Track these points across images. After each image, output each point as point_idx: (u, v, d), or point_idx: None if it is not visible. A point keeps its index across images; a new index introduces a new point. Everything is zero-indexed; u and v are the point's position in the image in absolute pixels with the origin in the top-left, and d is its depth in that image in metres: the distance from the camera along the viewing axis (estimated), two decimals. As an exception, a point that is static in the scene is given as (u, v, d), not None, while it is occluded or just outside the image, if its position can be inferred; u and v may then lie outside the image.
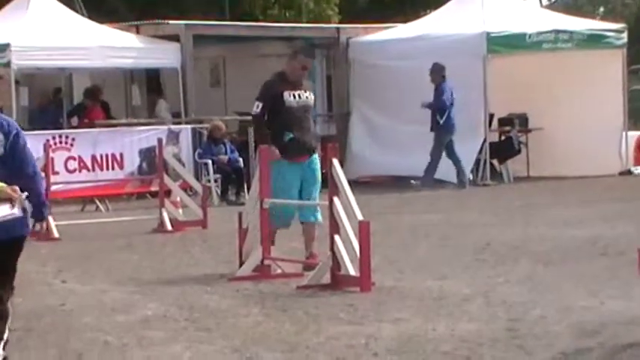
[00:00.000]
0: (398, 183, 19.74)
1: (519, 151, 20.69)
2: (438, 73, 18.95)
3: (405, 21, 22.33)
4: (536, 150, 20.71)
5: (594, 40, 20.85)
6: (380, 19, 24.06)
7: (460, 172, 18.82)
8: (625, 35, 21.10)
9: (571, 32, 20.74)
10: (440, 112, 18.93)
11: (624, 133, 20.78)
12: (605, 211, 14.86)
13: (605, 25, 22.68)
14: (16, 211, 6.11)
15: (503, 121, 20.61)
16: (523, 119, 20.82)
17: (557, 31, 20.60)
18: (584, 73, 20.29)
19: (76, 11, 21.62)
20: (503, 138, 20.67)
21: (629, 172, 20.60)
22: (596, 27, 21.90)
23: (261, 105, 10.71)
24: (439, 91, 18.94)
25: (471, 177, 19.35)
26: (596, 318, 8.13)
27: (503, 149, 20.41)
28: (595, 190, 18.08)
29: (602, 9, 52.69)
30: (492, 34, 19.72)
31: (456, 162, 18.84)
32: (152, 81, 21.83)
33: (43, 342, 7.73)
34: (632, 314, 7.55)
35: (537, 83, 20.34)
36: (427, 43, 19.96)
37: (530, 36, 20.21)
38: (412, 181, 19.12)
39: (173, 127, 19.24)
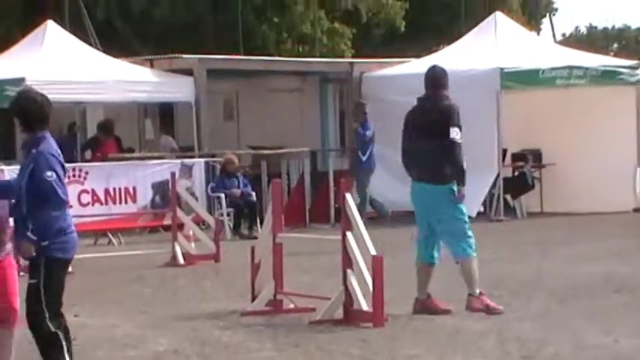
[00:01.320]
0: (409, 217, 19.67)
1: (533, 187, 20.67)
2: (360, 111, 19.40)
3: (418, 56, 22.38)
4: (549, 185, 20.69)
5: (608, 76, 20.86)
6: (393, 54, 24.10)
7: (361, 207, 18.50)
8: (639, 72, 21.12)
9: (585, 68, 20.75)
10: (362, 149, 19.14)
11: (638, 169, 20.77)
12: (619, 248, 14.82)
13: (618, 61, 22.68)
14: None
15: (516, 157, 20.61)
16: (537, 155, 20.83)
17: (571, 67, 20.61)
18: (597, 109, 20.28)
19: (91, 45, 21.73)
20: (516, 173, 20.66)
21: (642, 209, 20.56)
22: (609, 63, 21.93)
23: (459, 131, 9.90)
24: (363, 128, 19.27)
25: (482, 210, 19.32)
26: (610, 356, 8.11)
27: (517, 184, 20.40)
28: (609, 226, 18.03)
29: (615, 45, 52.76)
30: (506, 70, 19.75)
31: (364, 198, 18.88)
32: (165, 115, 21.90)
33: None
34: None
35: (551, 119, 20.36)
36: (440, 79, 19.96)
37: (543, 72, 20.23)
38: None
39: (186, 160, 19.24)
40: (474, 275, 9.84)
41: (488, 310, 9.68)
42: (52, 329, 7.09)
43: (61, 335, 7.13)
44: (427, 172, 9.88)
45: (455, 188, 9.89)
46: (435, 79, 10.22)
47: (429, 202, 9.98)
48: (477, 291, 9.81)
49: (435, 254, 10.12)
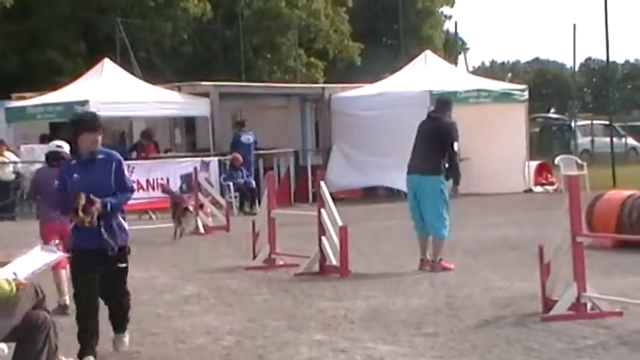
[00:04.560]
0: (366, 198, 19.72)
1: (453, 175, 20.66)
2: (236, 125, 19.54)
3: (370, 82, 22.36)
4: (464, 174, 20.51)
5: (505, 96, 20.90)
6: (352, 81, 24.08)
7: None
8: (527, 93, 21.18)
9: (489, 91, 20.79)
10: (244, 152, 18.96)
11: (527, 162, 20.84)
12: (514, 218, 14.88)
13: (512, 85, 22.77)
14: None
15: (441, 154, 20.57)
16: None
17: (479, 90, 20.64)
18: (498, 120, 20.33)
19: (135, 75, 21.63)
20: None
21: (530, 191, 20.63)
22: (506, 87, 22.00)
23: (457, 143, 9.57)
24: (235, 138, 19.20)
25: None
26: (509, 294, 8.14)
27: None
28: (506, 203, 18.10)
29: (510, 74, 52.86)
30: (433, 92, 19.71)
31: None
32: (189, 125, 21.85)
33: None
34: (533, 292, 7.54)
35: (466, 127, 20.19)
36: (385, 98, 19.97)
37: (460, 93, 20.22)
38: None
39: (205, 158, 19.19)
40: (441, 249, 9.55)
41: (444, 269, 9.34)
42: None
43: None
44: (427, 167, 9.55)
45: (443, 180, 9.58)
46: (446, 102, 9.94)
47: (423, 188, 9.57)
48: (439, 258, 9.52)
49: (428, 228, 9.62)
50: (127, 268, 6.17)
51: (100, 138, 6.07)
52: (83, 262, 5.98)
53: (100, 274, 6.01)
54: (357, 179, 20.28)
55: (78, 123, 6.11)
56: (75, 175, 6.01)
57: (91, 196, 5.90)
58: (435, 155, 9.55)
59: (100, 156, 6.07)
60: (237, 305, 8.15)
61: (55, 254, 5.64)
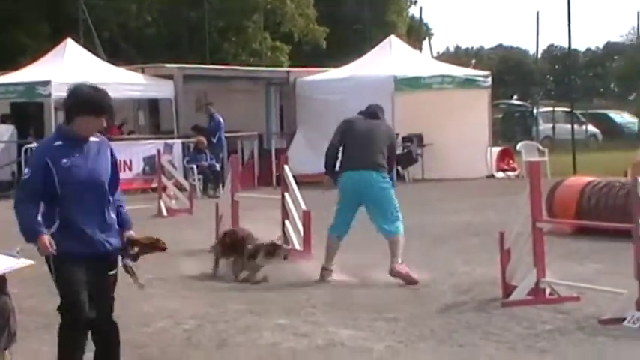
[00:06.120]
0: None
1: (417, 161, 20.79)
2: (208, 109, 19.59)
3: (336, 66, 22.34)
4: (428, 160, 20.81)
5: (469, 82, 21.01)
6: (317, 65, 24.02)
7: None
8: (490, 79, 21.31)
9: (453, 76, 20.89)
10: (213, 134, 19.14)
11: (489, 148, 20.98)
12: (477, 204, 14.97)
13: (476, 72, 22.86)
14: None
15: (405, 139, 20.67)
16: (420, 138, 20.92)
17: (443, 76, 20.73)
18: (461, 106, 20.44)
19: (99, 56, 21.39)
20: (405, 151, 20.74)
21: (492, 176, 20.78)
22: (470, 73, 22.09)
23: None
24: (213, 119, 19.34)
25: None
26: (470, 280, 8.20)
27: (406, 159, 20.47)
28: (469, 188, 18.21)
29: (474, 60, 53.13)
30: (398, 77, 19.81)
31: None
32: (153, 107, 21.68)
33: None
34: (493, 277, 7.60)
35: (430, 112, 20.45)
36: (351, 83, 19.98)
37: (424, 78, 20.33)
38: None
39: (168, 140, 19.07)
40: (400, 248, 8.37)
41: (408, 277, 8.08)
42: None
43: None
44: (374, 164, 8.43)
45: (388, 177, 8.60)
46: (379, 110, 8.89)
47: (366, 187, 8.41)
48: (400, 260, 8.27)
49: (386, 227, 8.40)
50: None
51: (104, 123, 4.86)
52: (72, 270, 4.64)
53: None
54: (320, 163, 20.25)
55: (81, 102, 4.79)
56: (64, 161, 4.61)
57: (130, 234, 4.73)
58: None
59: (92, 138, 4.81)
60: (200, 289, 8.11)
61: (19, 260, 4.67)
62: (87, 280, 4.67)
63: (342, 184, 8.51)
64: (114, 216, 4.78)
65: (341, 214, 8.57)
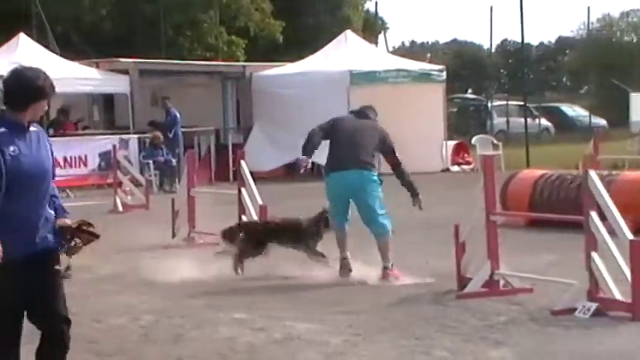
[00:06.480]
0: (287, 177, 19.71)
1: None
2: (165, 103, 19.45)
3: (291, 61, 22.32)
4: (384, 153, 20.83)
5: (424, 76, 21.13)
6: (274, 59, 23.98)
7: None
8: (445, 74, 21.44)
9: (408, 71, 20.98)
10: (169, 129, 19.04)
11: (445, 142, 21.13)
12: (432, 198, 14.97)
13: (431, 66, 22.99)
14: None
15: (361, 133, 20.69)
16: (375, 132, 20.94)
17: (399, 70, 20.81)
18: (417, 100, 20.53)
19: (52, 51, 21.12)
20: (361, 145, 20.76)
21: (447, 170, 20.94)
22: (425, 67, 22.19)
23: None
24: (169, 114, 19.23)
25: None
26: (426, 273, 8.25)
27: (361, 153, 20.51)
28: (425, 182, 17.99)
29: (429, 55, 53.45)
30: (354, 71, 19.85)
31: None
32: (108, 102, 21.50)
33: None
34: (449, 270, 7.67)
35: (386, 106, 20.35)
36: (306, 77, 19.99)
37: (380, 73, 20.39)
38: None
39: (124, 135, 18.92)
40: (390, 249, 8.22)
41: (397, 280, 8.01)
42: None
43: None
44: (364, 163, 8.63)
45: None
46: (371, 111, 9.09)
47: (354, 187, 8.42)
48: (391, 264, 8.14)
49: (375, 226, 8.41)
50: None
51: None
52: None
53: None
54: (277, 157, 20.26)
55: (35, 88, 4.50)
56: (12, 149, 4.25)
57: (65, 221, 4.49)
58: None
59: (32, 127, 4.41)
60: (156, 284, 8.07)
61: None
62: (31, 281, 4.30)
63: (330, 187, 8.38)
64: (51, 211, 4.50)
65: (334, 208, 8.46)
